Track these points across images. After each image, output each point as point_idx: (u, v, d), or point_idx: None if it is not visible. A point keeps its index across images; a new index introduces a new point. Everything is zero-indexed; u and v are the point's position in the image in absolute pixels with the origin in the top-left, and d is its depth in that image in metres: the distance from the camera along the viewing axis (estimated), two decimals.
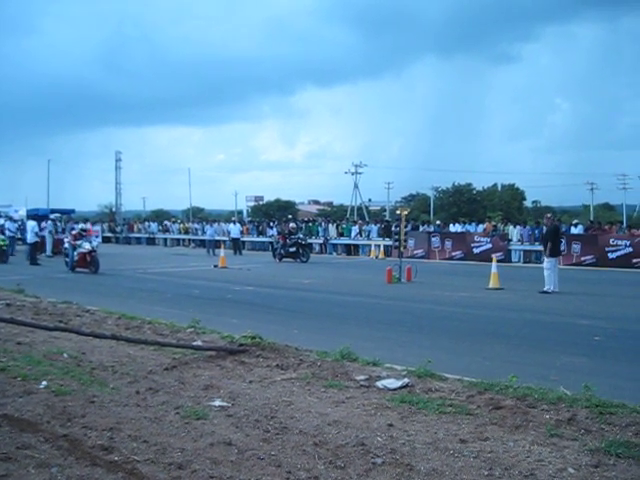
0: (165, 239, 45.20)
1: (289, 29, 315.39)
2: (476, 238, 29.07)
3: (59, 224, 33.67)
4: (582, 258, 25.61)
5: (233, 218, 45.35)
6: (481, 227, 31.79)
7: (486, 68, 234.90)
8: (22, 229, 30.18)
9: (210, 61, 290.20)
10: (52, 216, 31.30)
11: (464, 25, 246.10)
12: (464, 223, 34.38)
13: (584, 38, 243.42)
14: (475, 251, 28.48)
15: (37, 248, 25.62)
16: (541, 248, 18.98)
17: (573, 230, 28.72)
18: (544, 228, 19.90)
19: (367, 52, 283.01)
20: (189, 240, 42.97)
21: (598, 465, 4.07)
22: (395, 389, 5.93)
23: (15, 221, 31.68)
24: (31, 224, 25.63)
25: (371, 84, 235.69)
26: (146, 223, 49.28)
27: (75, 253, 20.85)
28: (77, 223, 29.08)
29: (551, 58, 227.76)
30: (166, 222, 47.57)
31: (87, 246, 20.73)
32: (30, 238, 25.02)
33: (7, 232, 27.25)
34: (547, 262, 16.22)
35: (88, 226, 25.49)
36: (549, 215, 19.04)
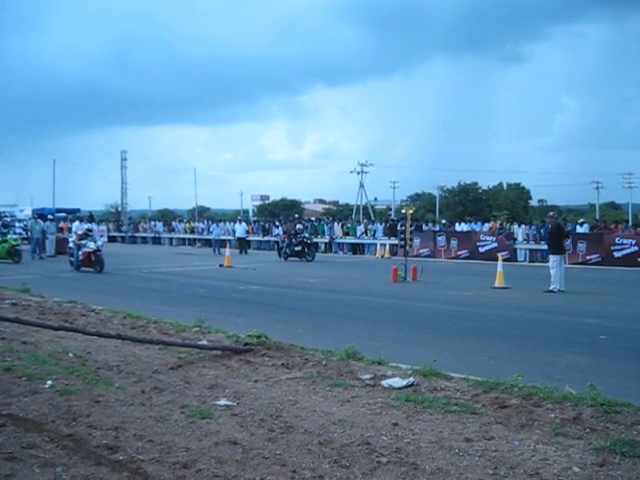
0: (171, 239, 45.20)
1: (299, 28, 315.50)
2: (482, 237, 29.05)
3: (66, 223, 33.65)
4: (588, 257, 25.55)
5: (239, 217, 45.31)
6: (487, 226, 31.74)
7: (495, 68, 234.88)
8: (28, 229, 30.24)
9: (219, 60, 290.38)
10: (50, 216, 31.18)
11: (474, 25, 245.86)
12: (470, 222, 34.35)
13: (592, 38, 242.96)
14: (481, 250, 28.45)
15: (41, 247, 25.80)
16: (546, 247, 19.17)
17: (579, 229, 28.61)
18: (549, 227, 19.96)
19: (377, 51, 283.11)
20: (195, 239, 42.99)
21: (603, 464, 4.07)
22: (400, 388, 5.93)
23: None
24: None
25: (380, 84, 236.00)
26: (152, 222, 49.34)
27: (80, 252, 20.90)
28: (82, 221, 29.09)
29: (559, 58, 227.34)
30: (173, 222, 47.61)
31: (92, 245, 20.78)
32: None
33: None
34: (552, 260, 16.25)
35: (93, 226, 25.43)
36: (551, 213, 19.20)
